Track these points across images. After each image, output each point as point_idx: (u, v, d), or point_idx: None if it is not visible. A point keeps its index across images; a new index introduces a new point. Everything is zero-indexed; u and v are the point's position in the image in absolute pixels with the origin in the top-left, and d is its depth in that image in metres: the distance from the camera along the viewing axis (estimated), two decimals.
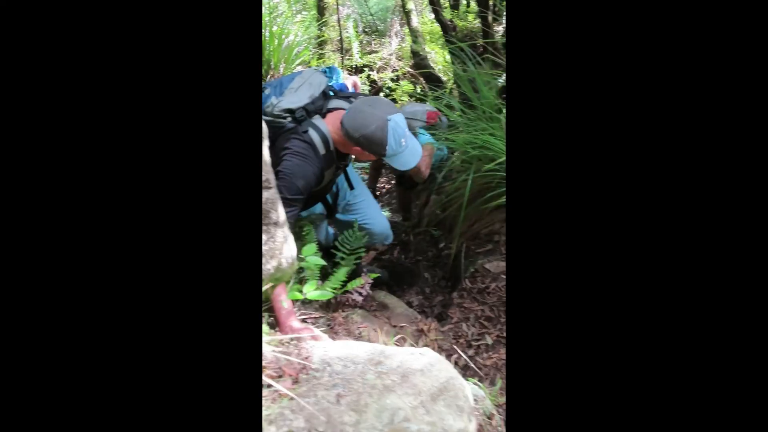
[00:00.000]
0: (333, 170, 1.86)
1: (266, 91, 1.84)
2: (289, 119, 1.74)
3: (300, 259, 1.52)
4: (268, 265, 1.14)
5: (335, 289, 1.80)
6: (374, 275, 2.00)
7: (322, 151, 1.72)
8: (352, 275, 1.98)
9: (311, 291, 1.43)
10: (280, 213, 1.16)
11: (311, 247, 1.53)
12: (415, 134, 2.48)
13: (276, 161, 1.62)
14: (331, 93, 1.90)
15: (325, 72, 3.11)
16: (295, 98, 1.76)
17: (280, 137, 1.74)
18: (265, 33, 4.60)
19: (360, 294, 1.96)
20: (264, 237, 1.12)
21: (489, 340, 1.93)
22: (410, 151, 1.76)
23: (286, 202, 1.54)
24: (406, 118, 2.36)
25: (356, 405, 1.07)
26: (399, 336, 1.75)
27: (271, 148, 1.62)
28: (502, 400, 1.61)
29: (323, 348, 1.36)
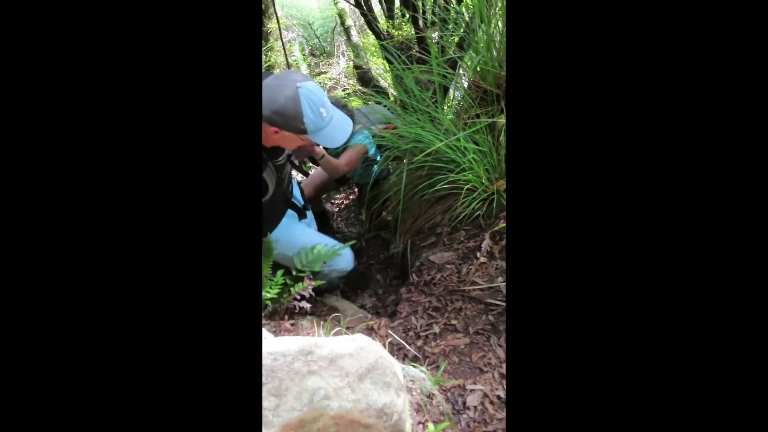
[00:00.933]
0: (271, 172, 1.67)
1: None
2: None
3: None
4: None
5: (275, 296, 1.79)
6: (318, 283, 1.99)
7: None
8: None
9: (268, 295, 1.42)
10: None
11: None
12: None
13: None
14: None
15: None
16: None
17: None
18: None
19: (304, 298, 1.94)
20: None
21: (436, 329, 1.93)
22: (336, 123, 1.55)
23: None
24: (363, 114, 2.40)
25: (277, 390, 1.05)
26: (337, 329, 1.74)
27: None
28: (449, 383, 1.62)
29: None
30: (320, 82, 5.94)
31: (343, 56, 6.39)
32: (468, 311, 1.96)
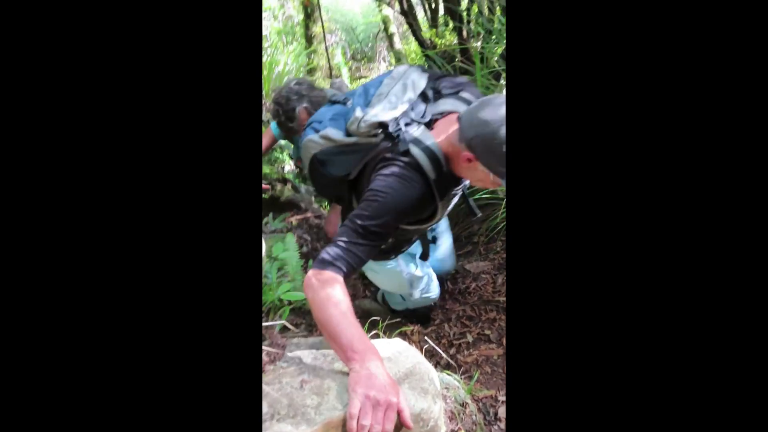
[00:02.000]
0: (448, 200, 1.40)
1: (348, 103, 1.47)
2: (382, 136, 1.29)
3: (273, 259, 1.55)
4: None
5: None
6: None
7: (432, 175, 1.23)
8: None
9: (285, 291, 1.47)
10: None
11: (279, 246, 1.57)
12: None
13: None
14: (437, 92, 1.38)
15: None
16: (386, 106, 1.31)
17: (371, 162, 1.30)
18: None
19: None
20: None
21: (470, 338, 1.95)
22: None
23: (365, 232, 1.17)
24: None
25: (319, 389, 1.09)
26: (374, 331, 1.77)
27: (359, 178, 1.36)
28: (481, 393, 1.63)
29: (295, 345, 1.39)
30: None
31: (384, 61, 6.45)
32: (502, 322, 1.97)
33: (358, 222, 1.17)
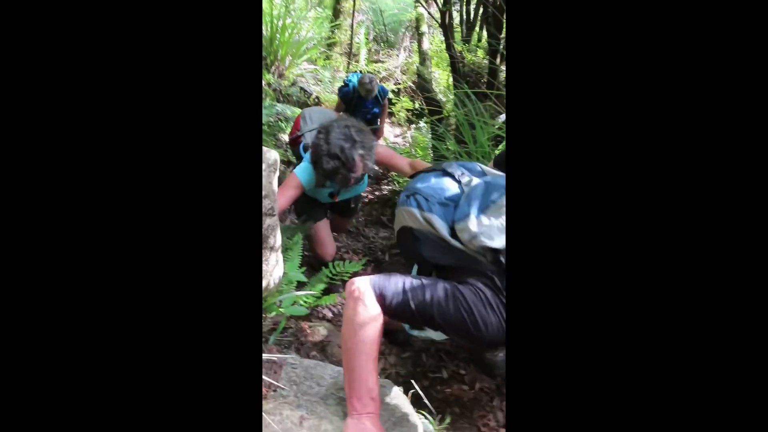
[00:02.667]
0: None
1: (464, 186, 1.38)
2: (489, 260, 1.21)
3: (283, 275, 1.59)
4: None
5: (308, 303, 1.88)
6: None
7: None
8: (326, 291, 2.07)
9: (289, 306, 1.51)
10: (278, 238, 1.24)
11: (293, 264, 1.60)
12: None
13: (447, 307, 1.18)
14: None
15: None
16: (502, 227, 1.22)
17: (467, 269, 1.26)
18: (278, 23, 4.66)
19: (331, 311, 2.04)
20: None
21: (444, 374, 2.03)
22: None
23: (428, 317, 1.17)
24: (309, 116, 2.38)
25: (317, 429, 1.15)
26: None
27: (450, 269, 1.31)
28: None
29: (291, 366, 1.44)
30: (374, 71, 5.96)
31: (404, 51, 6.40)
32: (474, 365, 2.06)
33: (434, 309, 1.17)
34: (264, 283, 1.23)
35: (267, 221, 1.19)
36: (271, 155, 1.15)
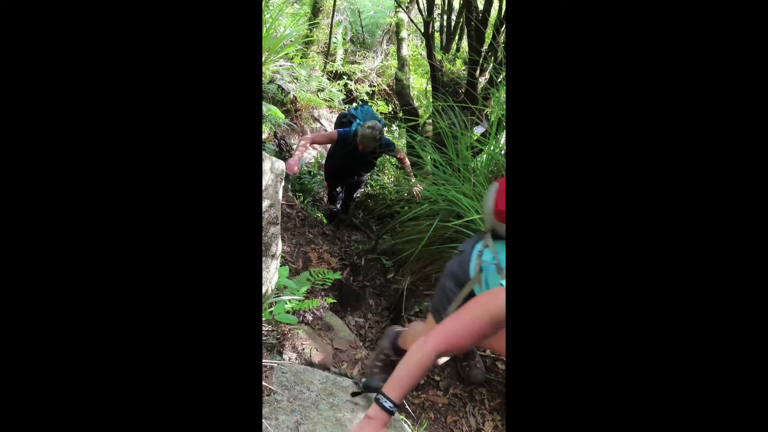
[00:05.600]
0: None
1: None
2: None
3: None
4: None
5: (291, 307, 1.91)
6: (330, 300, 2.11)
7: None
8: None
9: (280, 313, 1.53)
10: (279, 247, 1.26)
11: (284, 270, 1.63)
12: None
13: None
14: None
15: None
16: None
17: None
18: None
19: (313, 314, 2.07)
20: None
21: (420, 380, 2.09)
22: None
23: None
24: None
25: None
26: (344, 371, 1.87)
27: None
28: None
29: (280, 371, 1.47)
30: (350, 71, 5.97)
31: (380, 54, 6.44)
32: (451, 370, 2.13)
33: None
34: (263, 290, 1.26)
35: (271, 229, 1.21)
36: (278, 165, 1.17)
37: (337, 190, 3.51)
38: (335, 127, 3.35)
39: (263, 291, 1.26)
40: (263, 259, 1.22)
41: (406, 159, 3.21)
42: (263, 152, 1.16)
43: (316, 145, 3.99)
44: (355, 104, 3.41)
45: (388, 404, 1.05)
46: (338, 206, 3.56)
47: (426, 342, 1.09)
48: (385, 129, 3.59)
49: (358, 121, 3.16)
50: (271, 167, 1.16)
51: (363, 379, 1.62)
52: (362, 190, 3.73)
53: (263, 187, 1.17)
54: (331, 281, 2.15)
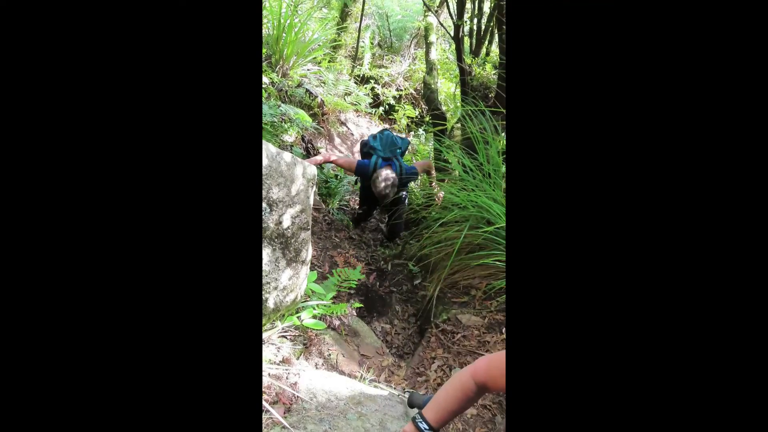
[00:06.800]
0: None
1: None
2: None
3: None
4: (288, 298, 1.22)
5: (321, 312, 1.89)
6: (357, 305, 2.09)
7: None
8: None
9: (308, 318, 1.52)
10: (309, 252, 1.24)
11: (313, 275, 1.61)
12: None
13: None
14: None
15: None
16: None
17: None
18: (285, 23, 4.64)
19: (340, 320, 2.05)
20: (290, 272, 1.20)
21: None
22: None
23: None
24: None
25: None
26: (372, 378, 1.85)
27: None
28: None
29: (308, 377, 1.44)
30: (377, 75, 5.97)
31: (408, 58, 6.42)
32: None
33: None
34: (293, 297, 1.24)
35: (302, 235, 1.19)
36: (310, 170, 1.15)
37: (369, 210, 3.41)
38: (360, 151, 3.28)
39: (294, 297, 1.24)
40: (294, 264, 1.20)
41: (432, 169, 3.20)
42: (294, 157, 1.15)
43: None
44: (374, 134, 3.22)
45: (423, 425, 1.01)
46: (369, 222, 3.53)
47: (468, 368, 1.05)
48: (410, 144, 3.44)
49: (379, 152, 3.03)
50: (303, 172, 1.14)
51: (407, 392, 1.58)
52: (405, 206, 3.39)
53: (295, 192, 1.16)
54: (356, 283, 2.13)
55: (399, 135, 3.65)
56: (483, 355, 2.18)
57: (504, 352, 1.05)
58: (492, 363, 1.02)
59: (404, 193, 3.17)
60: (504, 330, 2.24)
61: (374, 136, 3.16)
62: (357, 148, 5.16)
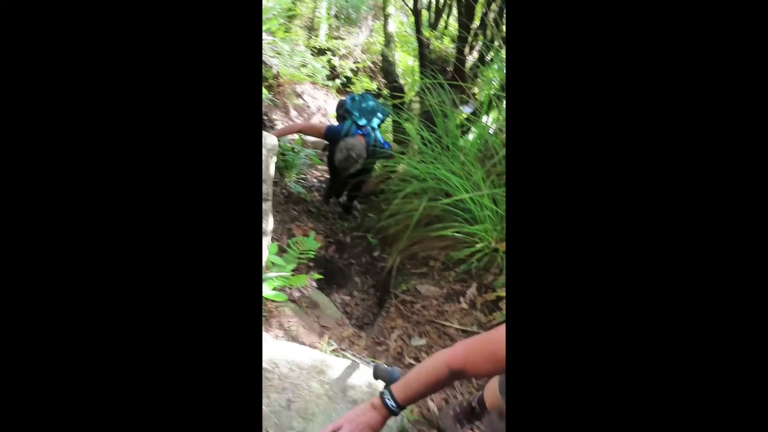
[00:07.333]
0: None
1: None
2: None
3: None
4: None
5: (281, 284, 1.89)
6: (317, 276, 2.09)
7: None
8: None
9: (268, 290, 1.51)
10: (270, 223, 1.23)
11: (273, 247, 1.60)
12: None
13: None
14: None
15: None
16: None
17: None
18: None
19: (300, 292, 2.05)
20: None
21: (408, 359, 2.09)
22: None
23: None
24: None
25: (304, 413, 1.17)
26: (333, 348, 1.86)
27: None
28: (412, 417, 1.79)
29: (269, 348, 1.45)
30: (334, 47, 5.87)
31: (365, 30, 6.33)
32: (437, 347, 2.14)
33: None
34: None
35: (262, 206, 1.18)
36: (270, 140, 1.14)
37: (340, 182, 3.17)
38: (336, 113, 3.04)
39: None
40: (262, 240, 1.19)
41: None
42: None
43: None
44: (354, 95, 2.95)
45: (390, 402, 1.02)
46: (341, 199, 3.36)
47: (443, 352, 1.04)
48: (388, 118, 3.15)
49: (354, 117, 2.79)
50: (263, 142, 1.12)
51: (371, 363, 1.58)
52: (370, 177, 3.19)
53: None
54: (314, 253, 2.12)
55: (383, 103, 3.32)
56: (442, 324, 2.24)
57: (483, 336, 1.05)
58: (471, 349, 1.02)
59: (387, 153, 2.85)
60: (461, 299, 2.30)
61: (353, 98, 2.90)
62: (314, 120, 5.08)
